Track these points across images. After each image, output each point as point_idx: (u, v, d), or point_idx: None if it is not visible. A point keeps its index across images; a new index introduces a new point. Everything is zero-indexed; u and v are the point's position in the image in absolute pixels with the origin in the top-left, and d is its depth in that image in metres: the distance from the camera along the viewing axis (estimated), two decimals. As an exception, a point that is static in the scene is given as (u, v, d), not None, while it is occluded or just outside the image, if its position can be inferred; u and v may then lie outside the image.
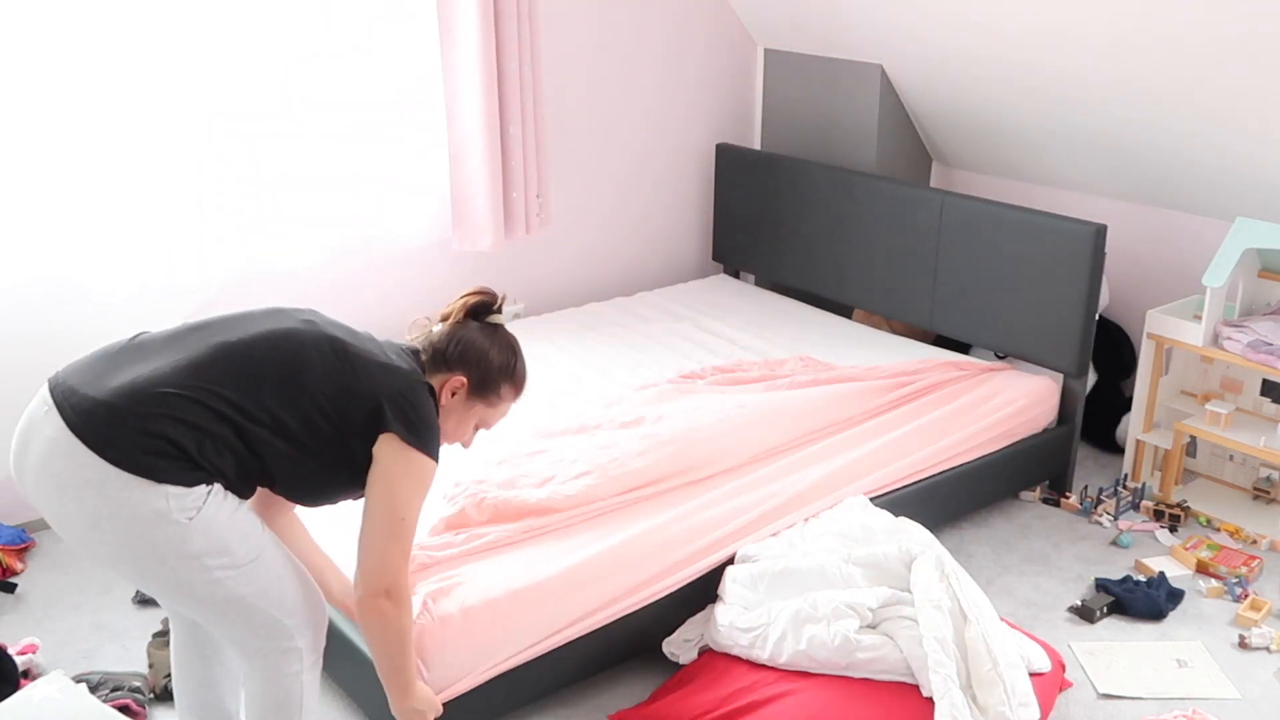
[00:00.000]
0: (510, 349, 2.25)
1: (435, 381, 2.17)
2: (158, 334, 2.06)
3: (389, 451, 2.03)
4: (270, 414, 1.97)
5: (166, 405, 1.91)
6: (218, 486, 1.97)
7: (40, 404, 1.98)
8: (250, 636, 2.08)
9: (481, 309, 2.23)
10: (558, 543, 2.66)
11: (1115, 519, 3.60)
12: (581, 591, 2.59)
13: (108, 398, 1.91)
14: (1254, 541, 3.49)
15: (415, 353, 2.19)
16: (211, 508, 1.95)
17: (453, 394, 2.19)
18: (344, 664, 2.56)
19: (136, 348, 2.03)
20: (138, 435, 1.89)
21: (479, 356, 2.19)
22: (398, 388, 2.06)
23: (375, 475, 2.04)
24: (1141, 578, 3.26)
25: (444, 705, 2.37)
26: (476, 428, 2.28)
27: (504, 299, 2.28)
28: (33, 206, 3.22)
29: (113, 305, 3.39)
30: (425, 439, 2.06)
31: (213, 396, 1.94)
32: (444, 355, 2.18)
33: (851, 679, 2.51)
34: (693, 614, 2.82)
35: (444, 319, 2.23)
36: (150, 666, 2.80)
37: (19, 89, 3.14)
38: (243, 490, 2.02)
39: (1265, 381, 3.63)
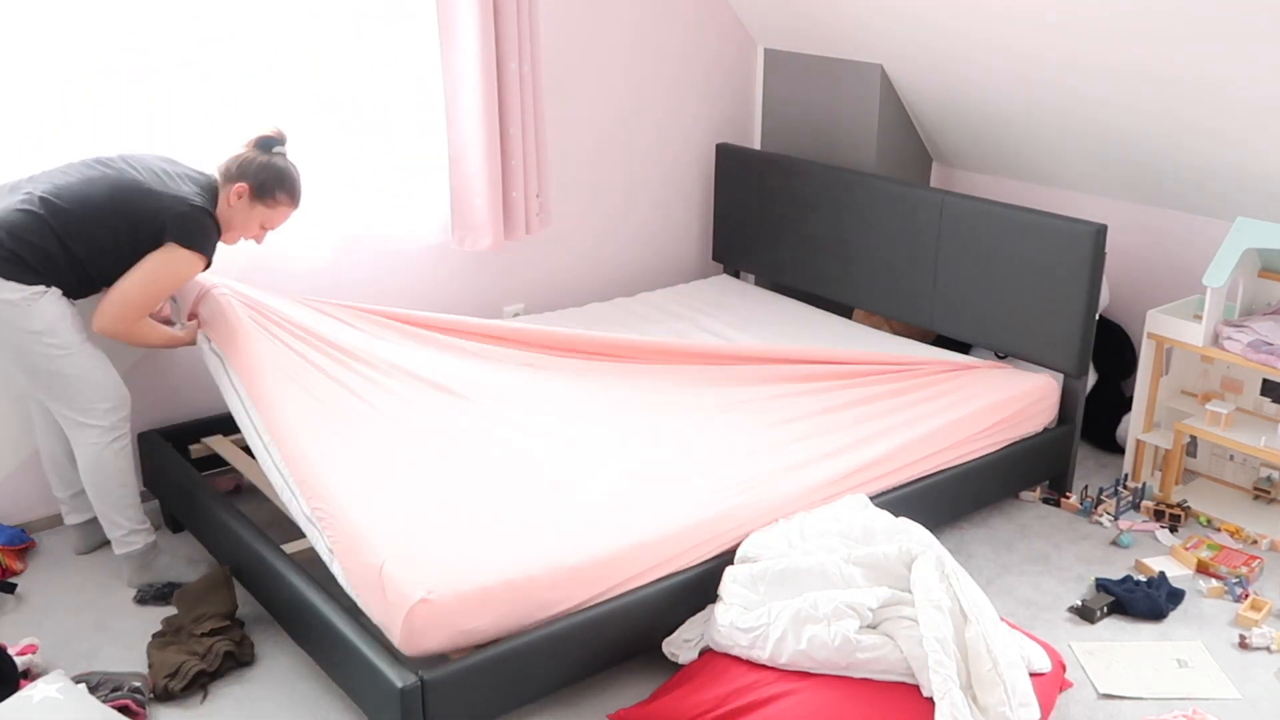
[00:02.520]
0: (285, 167, 3.09)
1: (224, 192, 3.05)
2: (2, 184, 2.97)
3: (163, 248, 2.94)
4: (88, 237, 2.89)
5: (14, 230, 2.83)
6: (55, 290, 2.89)
7: None
8: (68, 410, 2.99)
9: (268, 143, 3.09)
10: (554, 533, 2.67)
11: (1115, 519, 3.60)
12: (576, 586, 2.60)
13: None
14: (1254, 541, 3.49)
15: (212, 182, 3.07)
16: (46, 302, 2.87)
17: (238, 197, 3.04)
18: (344, 663, 2.56)
19: None
20: None
21: (259, 169, 3.04)
22: (179, 211, 2.94)
23: (146, 259, 2.94)
24: (1142, 578, 3.26)
25: (441, 699, 2.38)
26: (263, 227, 3.14)
27: (282, 135, 3.13)
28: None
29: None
30: (190, 241, 2.95)
31: (48, 227, 2.85)
32: (231, 172, 3.04)
33: (851, 679, 2.51)
34: (693, 614, 2.82)
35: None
36: (150, 666, 2.80)
37: (18, 89, 3.14)
38: (81, 290, 2.97)
39: (1265, 381, 3.63)
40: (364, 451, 2.92)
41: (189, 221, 2.95)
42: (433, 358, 3.44)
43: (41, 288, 2.88)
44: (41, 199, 2.88)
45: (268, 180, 3.06)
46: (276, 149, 3.10)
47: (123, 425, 3.06)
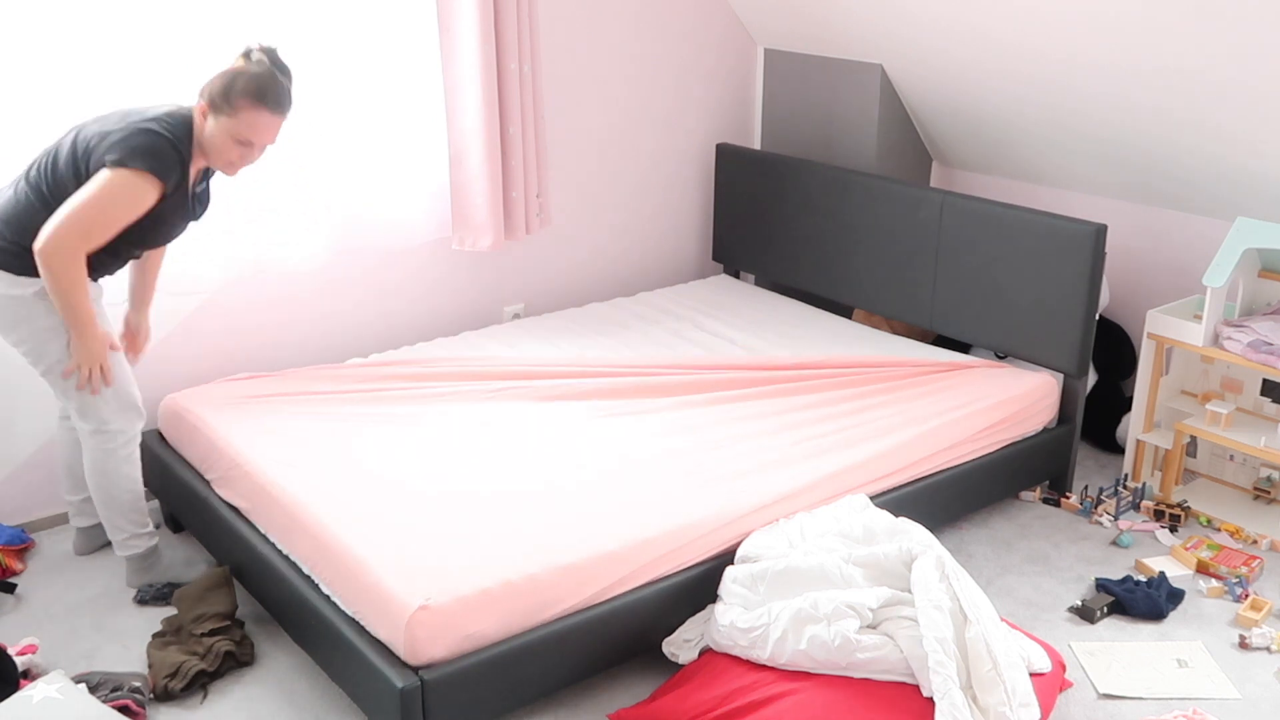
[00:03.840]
0: (241, 69, 2.79)
1: (195, 120, 2.82)
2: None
3: (102, 171, 2.71)
4: (62, 193, 2.74)
5: (13, 221, 2.78)
6: None
7: None
8: (79, 414, 2.93)
9: (246, 53, 2.82)
10: (553, 534, 2.67)
11: (1115, 519, 3.60)
12: (577, 584, 2.60)
13: None
14: (1254, 541, 3.49)
15: (186, 114, 2.84)
16: None
17: (202, 117, 2.81)
18: (344, 663, 2.56)
19: None
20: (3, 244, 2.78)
21: (213, 80, 2.80)
22: (121, 134, 2.72)
23: (89, 181, 2.72)
24: (1142, 578, 3.26)
25: (441, 699, 2.38)
26: (242, 142, 2.81)
27: (264, 46, 2.84)
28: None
29: (115, 308, 3.39)
30: (130, 159, 2.69)
31: (39, 203, 2.76)
32: (200, 95, 2.83)
33: (852, 679, 2.51)
34: (693, 614, 2.82)
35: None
36: (150, 666, 2.80)
37: (15, 87, 3.14)
38: (91, 269, 2.79)
39: (1265, 381, 3.63)
40: (347, 471, 2.93)
41: (129, 140, 2.71)
42: (422, 362, 3.45)
43: None
44: (24, 177, 2.83)
45: (220, 89, 2.79)
46: (254, 56, 2.83)
47: (129, 431, 3.01)
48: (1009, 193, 4.42)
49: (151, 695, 2.73)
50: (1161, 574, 3.24)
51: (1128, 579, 3.21)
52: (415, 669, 2.39)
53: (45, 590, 3.18)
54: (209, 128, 2.81)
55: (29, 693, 2.48)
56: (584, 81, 4.27)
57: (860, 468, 3.13)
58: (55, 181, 2.78)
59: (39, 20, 3.12)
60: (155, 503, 3.54)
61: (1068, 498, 3.69)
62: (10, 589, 3.12)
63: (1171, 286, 4.05)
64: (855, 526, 2.84)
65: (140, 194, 2.72)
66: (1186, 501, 3.66)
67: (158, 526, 3.46)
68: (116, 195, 2.71)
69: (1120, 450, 4.06)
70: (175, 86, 3.34)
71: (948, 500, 3.39)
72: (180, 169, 2.79)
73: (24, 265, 2.79)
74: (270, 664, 2.87)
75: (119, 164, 2.69)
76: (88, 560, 3.32)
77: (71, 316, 2.80)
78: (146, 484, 3.49)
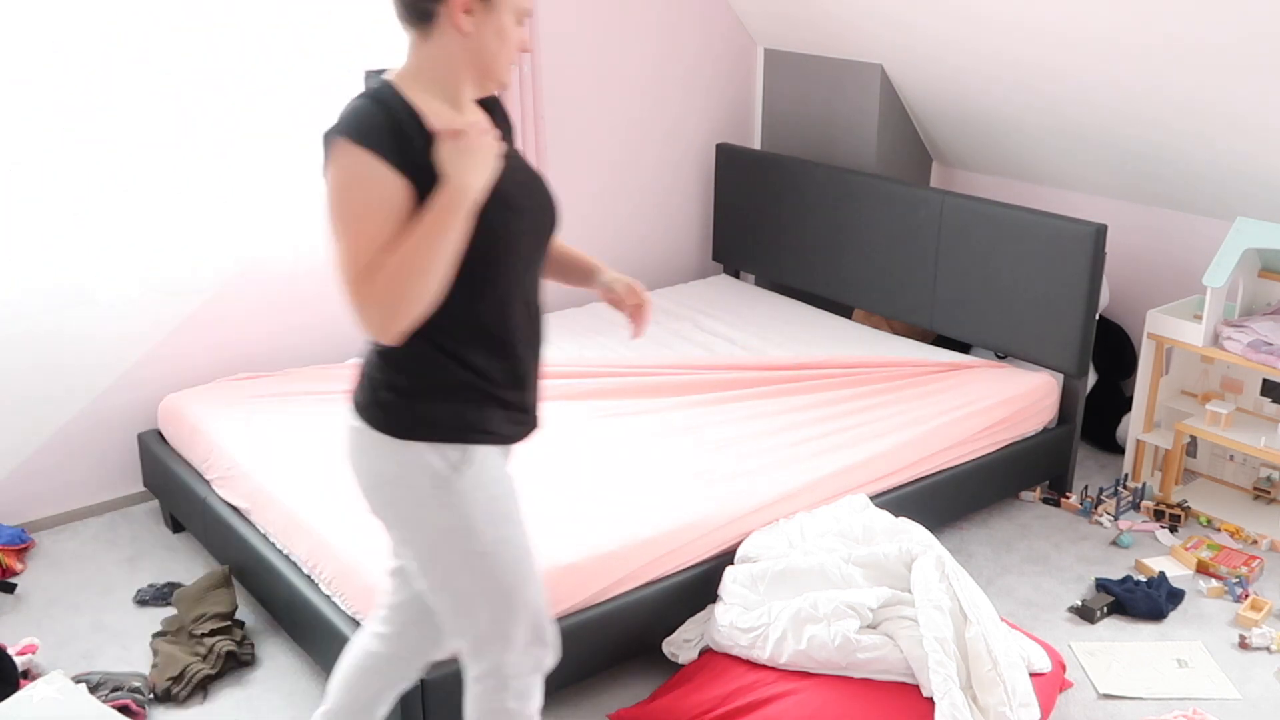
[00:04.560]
0: None
1: (435, 28, 1.89)
2: None
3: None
4: None
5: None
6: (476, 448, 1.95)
7: None
8: (471, 651, 2.05)
9: None
10: (553, 534, 2.67)
11: (1115, 519, 3.60)
12: (577, 584, 2.60)
13: None
14: (1254, 541, 3.49)
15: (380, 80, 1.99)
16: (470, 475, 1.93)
17: (466, 13, 1.86)
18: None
19: None
20: None
21: None
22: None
23: None
24: (1142, 578, 3.26)
25: (441, 699, 2.37)
26: (521, 20, 1.93)
27: None
28: (34, 213, 3.21)
29: (117, 308, 3.40)
30: (333, 135, 1.88)
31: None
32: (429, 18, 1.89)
33: (851, 679, 2.51)
34: (693, 614, 2.82)
35: None
36: (155, 663, 2.79)
37: (17, 97, 3.14)
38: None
39: (1265, 381, 3.63)
40: (347, 471, 2.92)
41: (331, 128, 1.91)
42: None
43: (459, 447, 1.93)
44: None
45: None
46: None
47: (530, 666, 2.09)
48: (1009, 193, 4.42)
49: (152, 695, 2.73)
50: (1161, 574, 3.24)
51: (1128, 579, 3.21)
52: (415, 669, 2.39)
53: (45, 590, 3.18)
54: (480, 30, 1.89)
55: (29, 693, 2.48)
56: (584, 82, 4.27)
57: (860, 468, 3.13)
58: None
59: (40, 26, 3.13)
60: (155, 503, 3.54)
61: (1068, 498, 3.69)
62: (10, 589, 3.12)
63: (1171, 286, 4.05)
64: (855, 526, 2.84)
65: (359, 166, 1.85)
66: (1186, 501, 3.66)
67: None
68: (345, 176, 1.85)
69: (1120, 450, 4.06)
70: (179, 91, 3.35)
71: (948, 500, 3.39)
72: (389, 124, 1.91)
73: (389, 419, 1.90)
74: (270, 664, 2.87)
75: (325, 156, 1.89)
76: (88, 560, 3.32)
77: (434, 231, 1.80)
78: (146, 484, 3.51)
